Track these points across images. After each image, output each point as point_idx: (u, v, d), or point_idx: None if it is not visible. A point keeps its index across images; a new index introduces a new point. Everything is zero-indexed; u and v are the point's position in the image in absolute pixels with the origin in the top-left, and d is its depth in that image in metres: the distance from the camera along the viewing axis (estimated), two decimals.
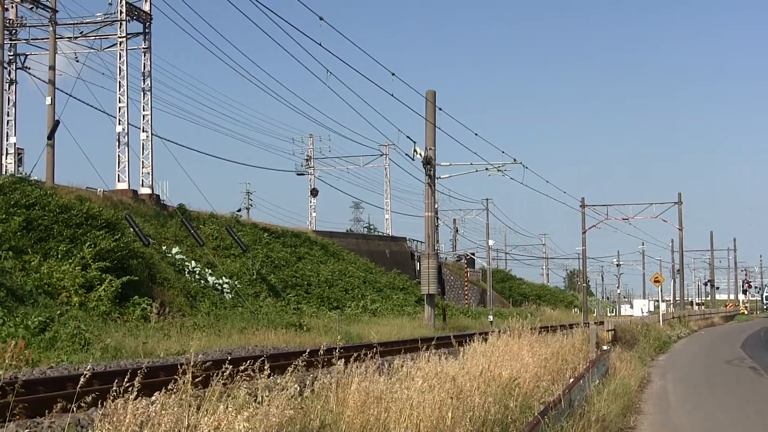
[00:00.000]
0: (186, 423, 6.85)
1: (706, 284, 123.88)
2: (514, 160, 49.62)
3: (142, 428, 6.62)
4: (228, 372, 8.14)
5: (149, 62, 42.33)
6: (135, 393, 7.00)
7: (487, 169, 48.78)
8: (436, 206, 46.46)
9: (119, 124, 40.53)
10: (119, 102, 40.65)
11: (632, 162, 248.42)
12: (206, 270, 38.51)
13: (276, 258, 47.69)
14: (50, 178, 35.93)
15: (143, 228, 36.09)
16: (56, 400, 11.24)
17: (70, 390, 13.45)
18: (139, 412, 6.67)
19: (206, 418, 6.97)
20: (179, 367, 7.98)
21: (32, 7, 38.57)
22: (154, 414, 6.76)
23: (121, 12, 40.71)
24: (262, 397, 7.86)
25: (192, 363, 7.82)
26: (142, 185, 42.09)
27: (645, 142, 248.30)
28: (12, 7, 40.89)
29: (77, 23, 41.96)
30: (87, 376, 7.90)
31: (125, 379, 7.57)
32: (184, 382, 7.52)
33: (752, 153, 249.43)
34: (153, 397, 7.10)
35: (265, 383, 8.29)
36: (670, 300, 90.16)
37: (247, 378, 8.34)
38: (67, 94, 39.88)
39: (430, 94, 40.49)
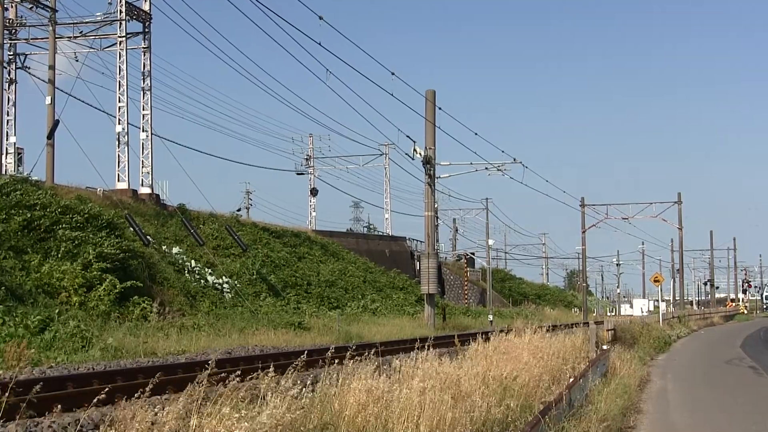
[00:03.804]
0: (191, 425, 6.85)
1: (706, 284, 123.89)
2: (514, 159, 49.70)
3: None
4: (229, 373, 8.13)
5: (149, 62, 42.33)
6: (136, 395, 7.00)
7: (486, 168, 48.84)
8: (435, 206, 46.48)
9: (119, 123, 40.52)
10: (119, 102, 40.65)
11: (632, 162, 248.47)
12: (206, 269, 38.51)
13: (276, 257, 47.69)
14: (50, 177, 35.93)
15: (143, 227, 36.09)
16: (56, 400, 11.26)
17: (71, 390, 13.48)
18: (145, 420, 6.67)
19: (207, 420, 6.97)
20: (179, 368, 7.98)
21: (32, 7, 38.56)
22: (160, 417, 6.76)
23: (120, 12, 40.69)
24: (264, 398, 7.87)
25: (211, 365, 7.82)
26: (142, 185, 42.08)
27: (645, 142, 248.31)
28: (12, 6, 40.86)
29: (77, 23, 41.95)
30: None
31: (125, 380, 7.57)
32: (197, 383, 7.52)
33: (752, 153, 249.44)
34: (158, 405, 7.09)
35: (266, 384, 8.29)
36: (669, 300, 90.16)
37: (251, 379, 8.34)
38: (67, 93, 39.94)
39: (430, 93, 40.49)
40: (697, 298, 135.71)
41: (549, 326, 30.50)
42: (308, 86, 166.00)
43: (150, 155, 42.33)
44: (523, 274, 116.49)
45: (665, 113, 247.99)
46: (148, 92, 42.33)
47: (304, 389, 8.81)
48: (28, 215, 28.48)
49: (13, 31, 42.57)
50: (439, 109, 40.80)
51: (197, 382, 7.63)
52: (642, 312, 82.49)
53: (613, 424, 13.18)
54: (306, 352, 12.42)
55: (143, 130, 42.10)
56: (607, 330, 27.16)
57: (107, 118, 40.86)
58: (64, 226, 29.07)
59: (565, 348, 18.65)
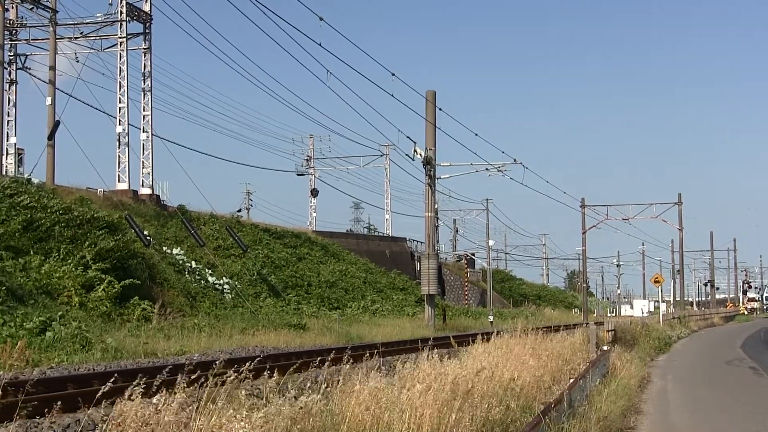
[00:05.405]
0: (194, 426, 6.87)
1: (706, 285, 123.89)
2: (514, 160, 49.72)
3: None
4: (232, 376, 8.15)
5: (149, 62, 42.34)
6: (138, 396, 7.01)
7: (487, 169, 48.85)
8: (436, 206, 46.47)
9: (119, 124, 40.54)
10: (119, 102, 40.66)
11: (632, 162, 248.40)
12: (206, 270, 38.52)
13: (276, 258, 47.71)
14: (50, 178, 35.97)
15: (143, 228, 36.09)
16: (56, 400, 11.25)
17: (71, 390, 13.49)
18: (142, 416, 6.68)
19: (208, 420, 6.98)
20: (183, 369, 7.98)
21: (32, 8, 38.57)
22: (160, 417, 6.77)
23: (121, 12, 40.71)
24: (267, 399, 7.88)
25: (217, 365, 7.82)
26: (143, 185, 42.09)
27: (645, 142, 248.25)
28: (12, 7, 40.88)
29: (77, 23, 41.96)
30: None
31: (125, 381, 7.58)
32: (202, 385, 7.54)
33: (752, 153, 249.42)
34: (155, 400, 7.11)
35: (267, 385, 8.30)
36: (670, 300, 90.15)
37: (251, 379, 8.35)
38: (67, 94, 39.93)
39: (430, 94, 40.50)
40: (697, 299, 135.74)
41: (550, 327, 30.53)
42: (309, 87, 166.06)
43: (150, 156, 42.34)
44: (523, 275, 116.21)
45: (664, 113, 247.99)
46: (149, 93, 42.35)
47: (304, 391, 8.82)
48: (29, 216, 28.49)
49: (14, 31, 42.58)
50: (440, 109, 40.83)
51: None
52: (642, 313, 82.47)
53: (614, 425, 13.19)
54: (306, 353, 12.43)
55: (144, 131, 42.11)
56: (608, 331, 27.13)
57: (108, 119, 40.93)
58: (64, 226, 29.07)
59: (565, 349, 18.66)
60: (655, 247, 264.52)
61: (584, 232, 66.99)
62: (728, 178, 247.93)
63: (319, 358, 16.08)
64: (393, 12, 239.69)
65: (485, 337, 18.20)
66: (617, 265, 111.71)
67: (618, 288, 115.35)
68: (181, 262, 37.29)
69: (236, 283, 39.54)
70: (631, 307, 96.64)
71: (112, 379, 8.23)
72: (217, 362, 8.35)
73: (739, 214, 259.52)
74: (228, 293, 37.93)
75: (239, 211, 60.98)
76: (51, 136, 36.55)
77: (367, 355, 13.46)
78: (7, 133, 40.81)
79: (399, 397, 9.15)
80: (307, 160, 72.65)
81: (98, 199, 36.59)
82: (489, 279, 70.37)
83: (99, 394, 7.78)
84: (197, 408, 7.22)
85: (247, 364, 8.66)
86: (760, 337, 49.56)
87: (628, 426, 14.18)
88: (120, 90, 40.68)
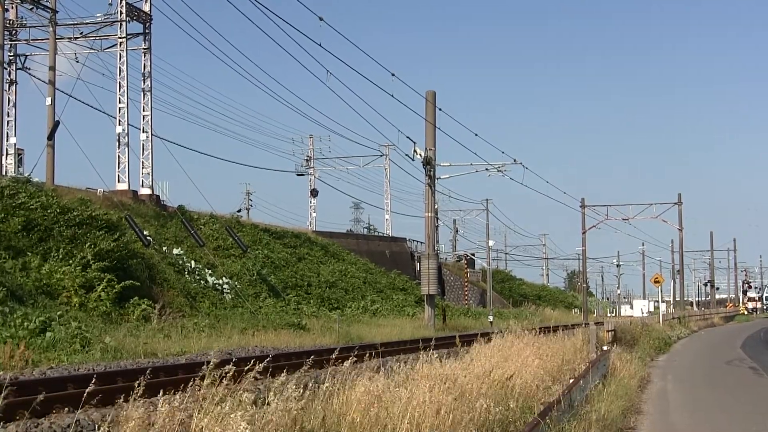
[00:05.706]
0: (193, 426, 6.87)
1: (706, 284, 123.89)
2: (514, 160, 49.73)
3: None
4: (231, 374, 8.15)
5: (149, 63, 42.33)
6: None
7: (487, 169, 48.86)
8: (436, 206, 46.47)
9: (119, 124, 40.52)
10: (119, 102, 40.65)
11: (632, 162, 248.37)
12: (206, 270, 38.52)
13: (276, 258, 47.70)
14: (50, 178, 35.94)
15: (143, 228, 36.08)
16: (57, 401, 11.27)
17: (71, 391, 13.49)
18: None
19: (208, 420, 6.98)
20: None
21: (32, 8, 38.56)
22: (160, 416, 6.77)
23: (121, 12, 40.70)
24: (268, 399, 7.88)
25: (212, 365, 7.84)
26: (142, 186, 42.08)
27: (645, 142, 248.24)
28: (12, 7, 40.87)
29: (77, 24, 41.95)
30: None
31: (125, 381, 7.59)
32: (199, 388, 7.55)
33: (751, 153, 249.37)
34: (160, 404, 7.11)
35: (266, 385, 8.30)
36: (670, 300, 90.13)
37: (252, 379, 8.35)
38: (67, 94, 39.92)
39: (430, 94, 40.51)
40: (697, 299, 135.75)
41: (550, 327, 30.53)
42: (309, 87, 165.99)
43: (150, 156, 42.33)
44: (523, 275, 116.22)
45: (664, 113, 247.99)
46: (149, 93, 42.34)
47: (304, 391, 8.82)
48: (28, 216, 28.49)
49: (14, 32, 42.57)
50: (439, 110, 40.82)
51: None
52: (642, 313, 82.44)
53: (614, 425, 13.19)
54: (306, 353, 12.43)
55: (143, 131, 42.10)
56: (608, 331, 27.14)
57: (107, 119, 40.90)
58: (63, 227, 29.07)
59: (565, 349, 18.67)
60: (655, 247, 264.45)
61: (584, 232, 67.01)
62: (728, 178, 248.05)
63: (319, 358, 16.07)
64: (393, 12, 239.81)
65: (485, 337, 18.22)
66: (617, 265, 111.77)
67: (618, 288, 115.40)
68: (180, 262, 37.29)
69: (236, 283, 39.54)
70: (631, 307, 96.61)
71: (93, 380, 8.29)
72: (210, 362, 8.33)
73: (739, 214, 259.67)
74: (228, 293, 37.93)
75: (239, 211, 60.95)
76: (51, 137, 36.54)
77: (368, 355, 13.47)
78: (7, 133, 40.79)
79: (399, 397, 9.15)
80: (307, 160, 72.63)
81: (98, 199, 36.57)
82: (489, 279, 70.38)
83: (85, 395, 7.83)
84: (198, 408, 7.22)
85: (252, 363, 8.66)
86: (760, 337, 49.56)
87: (628, 426, 14.18)
88: (120, 90, 40.67)
